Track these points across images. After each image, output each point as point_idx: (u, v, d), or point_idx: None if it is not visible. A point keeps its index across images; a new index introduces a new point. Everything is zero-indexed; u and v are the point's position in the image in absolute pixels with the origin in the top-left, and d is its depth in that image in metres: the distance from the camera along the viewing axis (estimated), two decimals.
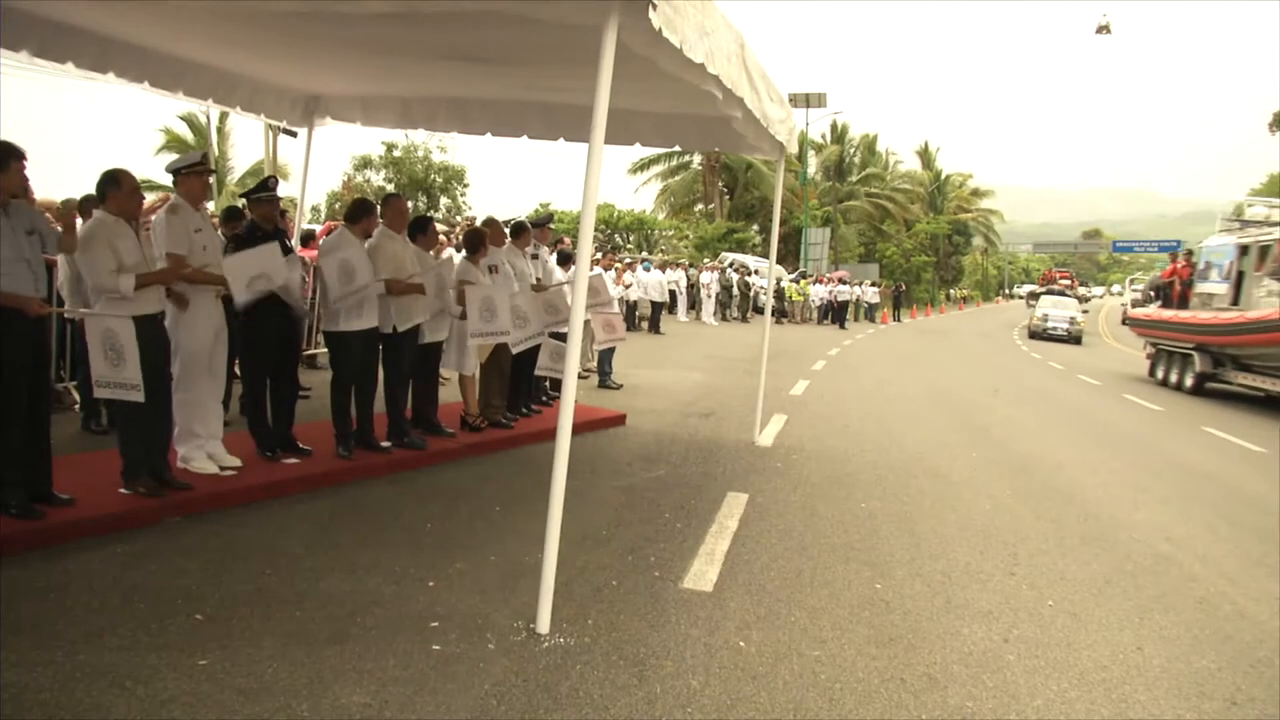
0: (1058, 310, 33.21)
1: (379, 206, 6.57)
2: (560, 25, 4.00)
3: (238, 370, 6.51)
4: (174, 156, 6.28)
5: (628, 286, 18.41)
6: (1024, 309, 50.16)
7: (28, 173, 4.44)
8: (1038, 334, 31.95)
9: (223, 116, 27.32)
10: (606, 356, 10.93)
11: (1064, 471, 8.32)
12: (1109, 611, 4.74)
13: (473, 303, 6.63)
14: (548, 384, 9.04)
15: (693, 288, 26.41)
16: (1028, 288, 59.24)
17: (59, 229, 4.79)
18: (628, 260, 22.94)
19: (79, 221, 6.65)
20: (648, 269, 22.54)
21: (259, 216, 5.90)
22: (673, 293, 25.32)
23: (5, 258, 4.21)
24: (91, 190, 7.35)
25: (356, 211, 6.32)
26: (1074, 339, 31.34)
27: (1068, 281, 56.79)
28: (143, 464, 4.93)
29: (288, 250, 5.98)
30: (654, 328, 20.66)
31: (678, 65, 4.38)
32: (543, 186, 72.92)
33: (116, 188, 4.75)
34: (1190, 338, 16.15)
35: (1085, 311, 36.87)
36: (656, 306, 21.13)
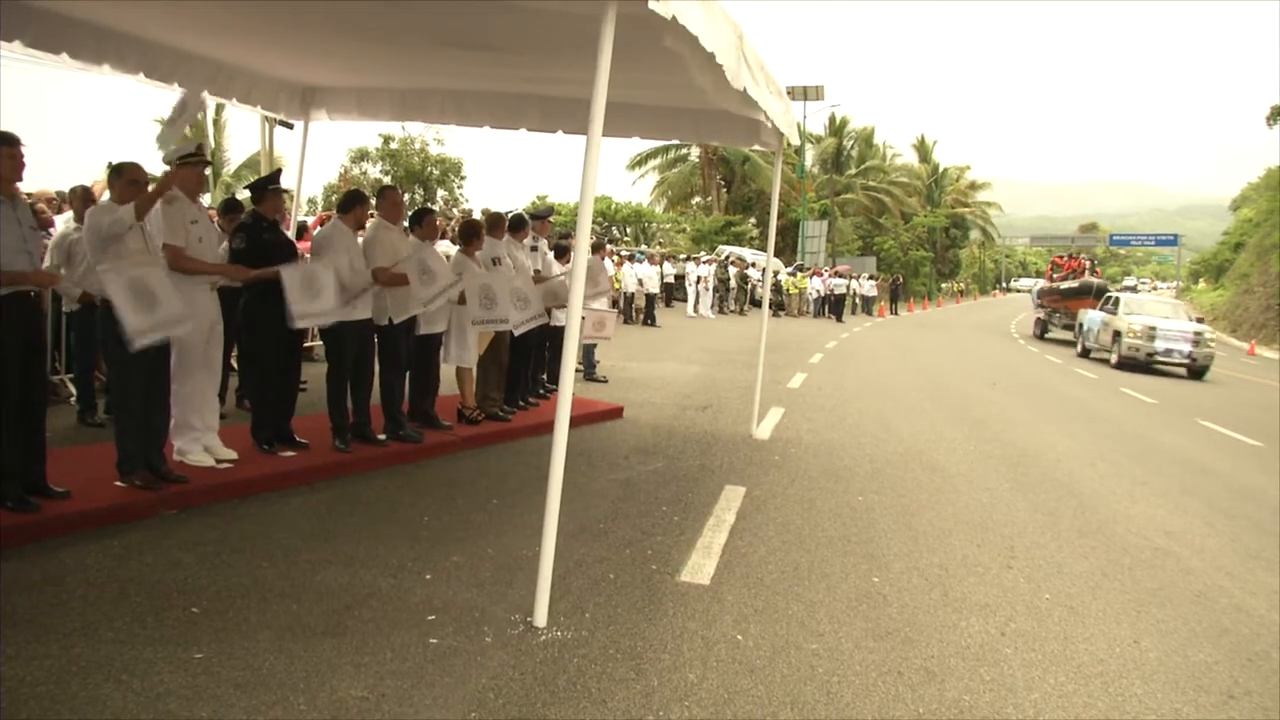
0: (1170, 323, 19.67)
1: (375, 199, 6.58)
2: (560, 14, 3.99)
3: (234, 363, 6.50)
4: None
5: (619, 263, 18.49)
6: (1021, 302, 45.89)
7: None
8: (1131, 361, 19.42)
9: (219, 108, 27.19)
10: (590, 349, 10.89)
11: (1061, 464, 8.33)
12: (1106, 605, 4.74)
13: (472, 290, 6.61)
14: (545, 377, 9.04)
15: (680, 279, 26.21)
16: (1037, 284, 37.06)
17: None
18: (625, 253, 22.93)
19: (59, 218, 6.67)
20: (640, 260, 22.52)
21: (266, 208, 5.90)
22: (670, 285, 25.27)
23: (7, 246, 4.20)
24: (85, 180, 7.34)
25: (348, 202, 6.30)
26: (1197, 370, 19.31)
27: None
28: (138, 457, 4.92)
29: (293, 249, 5.98)
30: (649, 320, 20.65)
31: (678, 56, 4.36)
32: (540, 179, 73.01)
33: (117, 177, 4.79)
34: None
35: (1202, 319, 22.35)
36: (650, 299, 21.13)
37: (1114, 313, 20.97)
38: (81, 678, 3.10)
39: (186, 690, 3.08)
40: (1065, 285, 27.96)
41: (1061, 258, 33.61)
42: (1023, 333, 30.93)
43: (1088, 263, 32.78)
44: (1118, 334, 20.08)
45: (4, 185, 4.29)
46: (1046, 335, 28.76)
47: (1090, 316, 22.64)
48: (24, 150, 4.37)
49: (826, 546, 5.28)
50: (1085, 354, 22.35)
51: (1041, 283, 34.19)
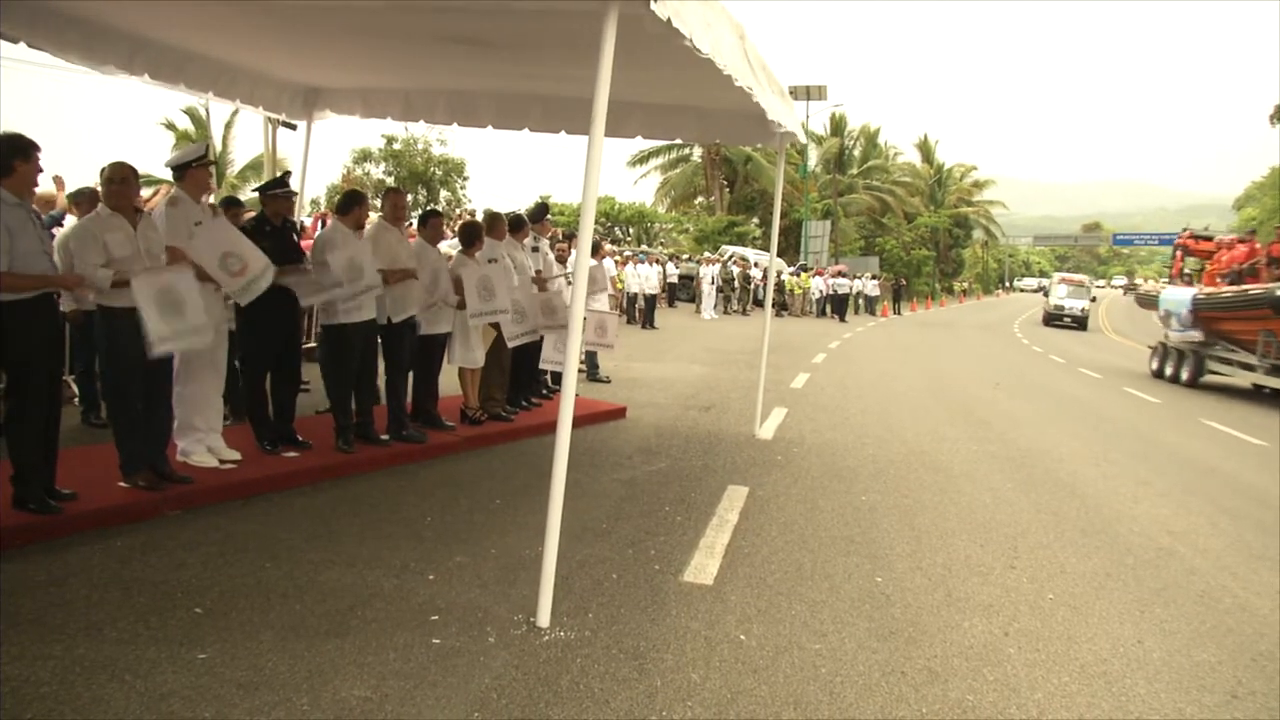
0: None
1: (380, 200, 6.60)
2: (563, 12, 3.99)
3: (238, 364, 6.50)
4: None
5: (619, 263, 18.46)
6: (1025, 302, 44.63)
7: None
8: None
9: (233, 112, 27.21)
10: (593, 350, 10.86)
11: (1064, 464, 8.32)
12: (1109, 605, 4.74)
13: (470, 285, 6.58)
14: (548, 377, 9.04)
15: (687, 280, 26.11)
16: (1167, 289, 18.39)
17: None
18: (628, 253, 22.91)
19: (69, 218, 6.68)
20: (642, 260, 22.52)
21: (271, 211, 5.92)
22: (673, 286, 25.22)
23: (30, 250, 4.23)
24: (89, 183, 7.33)
25: (347, 203, 6.30)
26: None
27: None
28: (142, 457, 4.92)
29: (298, 253, 6.01)
30: (648, 322, 20.57)
31: (683, 56, 4.36)
32: (543, 179, 73.06)
33: (106, 181, 4.78)
34: None
35: None
36: (650, 300, 21.10)
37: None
38: (85, 678, 3.11)
39: (190, 690, 3.08)
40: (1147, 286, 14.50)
41: (1203, 239, 18.57)
42: (1025, 331, 25.38)
43: (1255, 242, 16.91)
44: None
45: (26, 190, 4.31)
46: (1201, 379, 16.40)
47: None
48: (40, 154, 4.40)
49: (829, 546, 5.28)
50: None
51: (1170, 285, 18.61)
